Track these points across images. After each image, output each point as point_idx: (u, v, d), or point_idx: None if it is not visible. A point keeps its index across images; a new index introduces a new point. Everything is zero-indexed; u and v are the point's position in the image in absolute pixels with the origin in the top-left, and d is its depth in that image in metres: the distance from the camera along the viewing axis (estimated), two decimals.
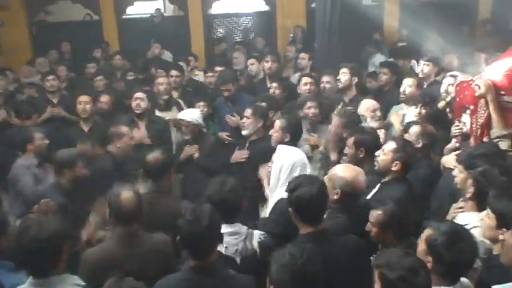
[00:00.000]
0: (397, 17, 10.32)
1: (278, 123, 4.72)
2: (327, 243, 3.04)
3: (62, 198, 4.24)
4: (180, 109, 6.39)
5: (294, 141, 4.73)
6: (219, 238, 2.87)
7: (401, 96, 5.64)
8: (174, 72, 7.15)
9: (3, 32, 10.54)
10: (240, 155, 5.32)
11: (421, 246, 2.79)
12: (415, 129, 4.58)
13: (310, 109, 5.50)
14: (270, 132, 4.80)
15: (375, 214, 3.30)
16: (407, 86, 5.63)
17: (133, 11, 11.70)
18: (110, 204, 3.30)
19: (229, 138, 6.06)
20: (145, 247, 3.28)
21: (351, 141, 4.34)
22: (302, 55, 7.79)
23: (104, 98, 6.60)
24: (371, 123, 5.16)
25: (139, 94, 5.92)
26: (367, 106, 5.34)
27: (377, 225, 3.29)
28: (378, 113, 5.30)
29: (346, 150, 4.38)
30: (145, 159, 4.11)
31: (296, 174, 3.83)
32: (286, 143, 4.46)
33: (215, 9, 11.73)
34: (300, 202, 3.04)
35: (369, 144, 4.29)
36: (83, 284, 2.80)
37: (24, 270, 2.75)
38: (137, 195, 3.33)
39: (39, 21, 11.10)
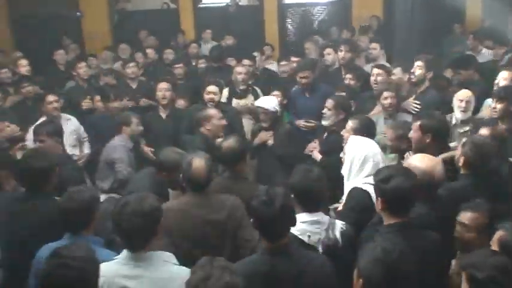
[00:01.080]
0: (480, 6, 9.88)
1: (350, 124, 4.58)
2: (410, 235, 2.97)
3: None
4: (256, 97, 6.41)
5: None
6: (292, 221, 2.87)
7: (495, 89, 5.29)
8: (246, 62, 7.22)
9: (85, 21, 10.99)
10: (314, 146, 5.30)
11: (494, 247, 2.72)
12: (484, 131, 4.33)
13: (386, 99, 5.40)
14: (342, 133, 4.67)
15: (473, 217, 3.20)
16: (503, 78, 5.30)
17: (209, 0, 11.85)
18: (183, 171, 3.56)
19: (309, 124, 6.01)
20: (217, 205, 3.54)
21: (416, 125, 4.21)
22: (373, 45, 7.66)
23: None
24: (456, 113, 5.04)
25: (212, 88, 5.84)
26: (458, 94, 5.23)
27: (475, 230, 3.19)
28: (463, 104, 5.14)
29: (411, 134, 4.27)
30: (221, 147, 4.17)
31: (368, 165, 3.80)
32: None
33: None
34: (396, 193, 2.96)
35: (437, 130, 4.17)
36: (174, 261, 2.87)
37: (122, 244, 2.84)
38: (207, 163, 3.55)
39: (120, 10, 11.46)
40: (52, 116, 5.67)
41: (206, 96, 5.78)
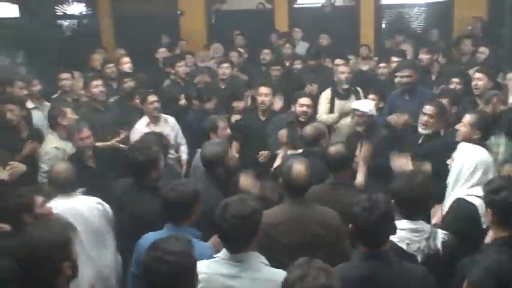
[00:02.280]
0: None
1: (468, 117, 4.37)
2: None
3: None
4: (358, 98, 6.28)
5: (483, 139, 4.37)
6: (393, 228, 2.81)
7: None
8: (338, 62, 7.09)
9: (183, 20, 11.31)
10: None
11: None
12: None
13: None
14: (457, 127, 4.48)
15: None
16: None
17: (304, 0, 11.80)
18: (282, 174, 3.54)
19: (402, 117, 5.73)
20: (314, 216, 3.47)
21: (467, 119, 4.09)
22: (482, 49, 7.27)
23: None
24: None
25: (305, 100, 5.65)
26: None
27: None
28: None
29: (458, 126, 4.09)
30: (327, 151, 4.12)
31: (477, 175, 3.62)
32: (474, 141, 4.15)
33: None
34: (505, 205, 2.81)
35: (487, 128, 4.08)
36: (267, 262, 2.87)
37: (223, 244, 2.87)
38: (308, 168, 3.51)
39: (216, 10, 11.69)
40: (153, 116, 5.88)
41: (299, 109, 5.59)
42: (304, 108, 5.57)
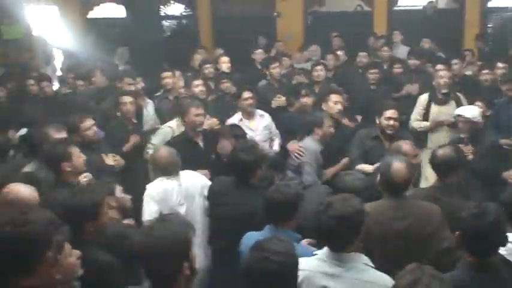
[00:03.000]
0: None
1: None
2: None
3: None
4: (459, 105, 6.01)
5: None
6: (503, 238, 2.68)
7: None
8: (439, 66, 6.83)
9: (280, 21, 11.35)
10: None
11: None
12: None
13: None
14: None
15: None
16: None
17: (405, 2, 11.47)
18: (381, 173, 3.52)
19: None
20: (414, 211, 3.43)
21: None
22: None
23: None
24: None
25: (391, 113, 5.22)
26: None
27: None
28: None
29: None
30: (435, 154, 4.00)
31: None
32: None
33: (494, 2, 10.84)
34: None
35: None
36: (371, 265, 2.81)
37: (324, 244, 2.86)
38: (408, 166, 3.46)
39: (313, 12, 11.63)
40: (247, 111, 5.95)
41: (385, 122, 5.14)
42: (391, 122, 5.10)
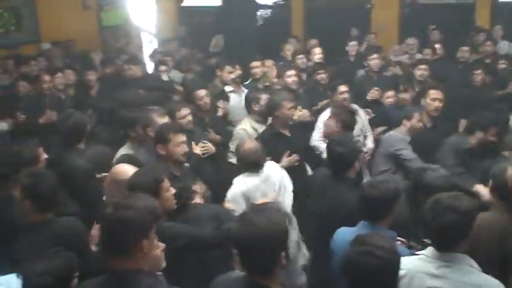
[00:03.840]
0: None
1: None
2: None
3: None
4: None
5: None
6: None
7: None
8: None
9: (375, 12, 11.03)
10: None
11: None
12: None
13: None
14: None
15: None
16: None
17: None
18: (494, 179, 3.39)
19: None
20: None
21: None
22: None
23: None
24: None
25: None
26: None
27: None
28: None
29: None
30: None
31: None
32: None
33: None
34: None
35: None
36: (477, 267, 2.66)
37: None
38: None
39: (411, 3, 11.20)
40: (341, 106, 5.73)
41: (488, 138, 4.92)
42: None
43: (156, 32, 11.82)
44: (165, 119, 4.70)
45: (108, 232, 2.29)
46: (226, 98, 6.41)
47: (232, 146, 5.42)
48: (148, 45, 11.18)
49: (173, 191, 3.40)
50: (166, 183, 3.33)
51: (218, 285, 2.54)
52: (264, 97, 5.55)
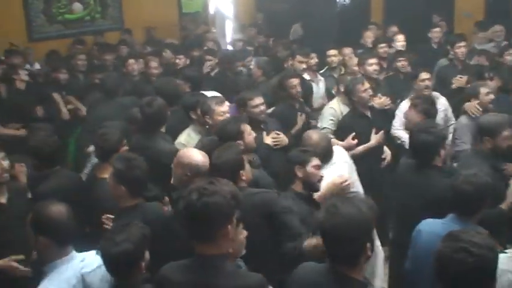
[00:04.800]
0: None
1: None
2: None
3: None
4: None
5: None
6: None
7: None
8: None
9: None
10: None
11: None
12: None
13: None
14: None
15: None
16: None
17: None
18: None
19: None
20: None
21: None
22: None
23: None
24: None
25: None
26: None
27: None
28: None
29: None
30: None
31: None
32: None
33: None
34: None
35: None
36: None
37: None
38: None
39: None
40: (423, 94, 5.58)
41: None
42: None
43: (234, 19, 11.89)
44: (224, 107, 4.66)
45: (193, 218, 2.33)
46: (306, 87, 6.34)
47: (322, 123, 5.57)
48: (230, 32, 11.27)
49: (253, 134, 3.86)
50: (247, 127, 3.77)
51: (302, 274, 2.53)
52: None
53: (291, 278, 2.53)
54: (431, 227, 2.99)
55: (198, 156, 3.48)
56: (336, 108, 5.55)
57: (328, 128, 5.46)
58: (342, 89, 5.69)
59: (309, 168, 3.57)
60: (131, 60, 7.14)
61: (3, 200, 3.67)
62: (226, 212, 2.33)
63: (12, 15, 8.88)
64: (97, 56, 8.41)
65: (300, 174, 3.56)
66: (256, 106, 4.85)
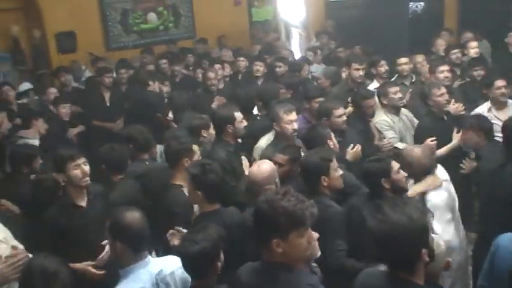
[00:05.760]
0: None
1: None
2: None
3: None
4: None
5: None
6: None
7: None
8: None
9: None
10: None
11: None
12: None
13: None
14: None
15: None
16: None
17: None
18: None
19: None
20: None
21: None
22: None
23: None
24: None
25: None
26: None
27: None
28: None
29: None
30: None
31: None
32: None
33: None
34: None
35: None
36: None
37: None
38: None
39: None
40: (499, 101, 5.51)
41: None
42: None
43: (304, 27, 11.93)
44: (292, 116, 4.69)
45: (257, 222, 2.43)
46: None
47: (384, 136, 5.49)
48: (298, 39, 11.32)
49: (340, 171, 3.70)
50: (334, 163, 3.64)
51: (365, 279, 2.55)
52: (392, 90, 5.62)
53: (353, 284, 2.55)
54: (510, 243, 2.86)
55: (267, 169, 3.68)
56: (386, 119, 5.55)
57: (395, 137, 5.46)
58: (385, 101, 5.63)
59: (394, 175, 3.60)
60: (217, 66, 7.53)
61: (83, 203, 3.86)
62: (296, 216, 2.33)
63: (91, 26, 9.32)
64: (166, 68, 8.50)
65: (387, 185, 3.58)
66: (340, 116, 4.93)
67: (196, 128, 4.96)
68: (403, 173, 3.68)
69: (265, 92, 5.83)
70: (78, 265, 3.50)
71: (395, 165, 3.66)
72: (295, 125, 4.71)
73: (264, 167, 3.71)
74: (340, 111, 4.96)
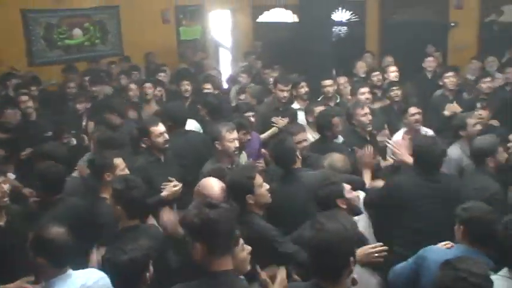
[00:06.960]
0: None
1: None
2: None
3: None
4: None
5: None
6: None
7: None
8: None
9: (453, 31, 10.81)
10: None
11: None
12: None
13: None
14: None
15: None
16: None
17: None
18: None
19: None
20: None
21: None
22: None
23: None
24: None
25: None
26: None
27: None
28: None
29: None
30: None
31: None
32: None
33: None
34: None
35: None
36: None
37: None
38: None
39: (491, 22, 10.86)
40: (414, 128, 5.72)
41: None
42: None
43: (232, 47, 12.10)
44: (234, 134, 4.72)
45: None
46: (291, 115, 6.41)
47: None
48: (225, 59, 11.43)
49: (267, 186, 3.63)
50: (258, 179, 3.56)
51: None
52: (318, 109, 5.86)
53: None
54: (434, 255, 3.02)
55: (217, 190, 3.55)
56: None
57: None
58: (310, 119, 5.94)
59: (347, 194, 3.62)
60: (148, 84, 7.35)
61: (2, 222, 3.72)
62: (227, 230, 2.42)
63: (13, 41, 8.98)
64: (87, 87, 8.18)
65: (343, 205, 3.56)
66: (300, 142, 4.92)
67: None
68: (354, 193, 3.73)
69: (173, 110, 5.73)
70: (11, 285, 3.36)
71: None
72: (237, 143, 4.75)
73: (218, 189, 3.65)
74: (300, 136, 5.01)
